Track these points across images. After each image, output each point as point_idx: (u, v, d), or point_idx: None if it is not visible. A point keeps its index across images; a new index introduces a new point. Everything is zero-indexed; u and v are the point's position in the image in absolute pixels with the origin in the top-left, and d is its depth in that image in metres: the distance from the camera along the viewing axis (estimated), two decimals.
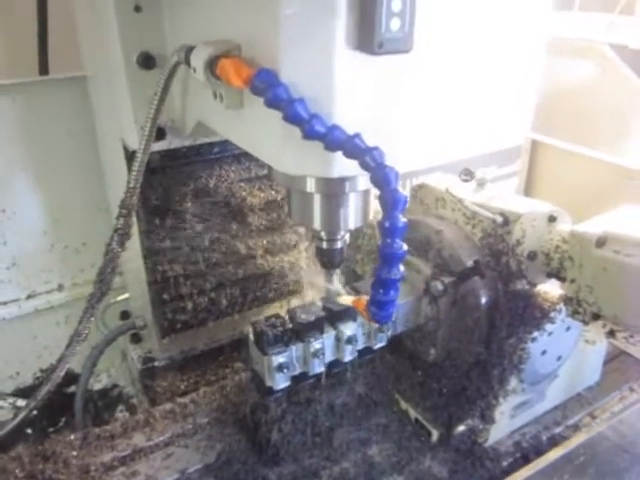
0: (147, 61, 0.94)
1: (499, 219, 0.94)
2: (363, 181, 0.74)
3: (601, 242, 0.82)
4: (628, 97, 1.76)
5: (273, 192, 1.23)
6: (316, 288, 1.03)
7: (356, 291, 0.95)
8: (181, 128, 1.01)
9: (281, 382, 0.91)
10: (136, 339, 1.40)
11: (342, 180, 0.74)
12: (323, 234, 0.84)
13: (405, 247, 0.67)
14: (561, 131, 1.50)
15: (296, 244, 1.32)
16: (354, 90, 0.65)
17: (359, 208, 0.80)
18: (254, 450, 1.00)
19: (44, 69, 1.35)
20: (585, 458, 0.93)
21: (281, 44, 0.62)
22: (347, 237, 0.86)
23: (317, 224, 0.81)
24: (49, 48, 1.33)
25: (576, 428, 1.05)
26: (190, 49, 0.77)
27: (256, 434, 1.00)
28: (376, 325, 0.94)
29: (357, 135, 0.63)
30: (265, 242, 1.27)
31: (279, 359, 0.88)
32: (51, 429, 1.46)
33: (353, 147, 0.63)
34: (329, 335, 0.92)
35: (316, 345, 0.90)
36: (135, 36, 0.93)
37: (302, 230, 1.30)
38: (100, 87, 1.19)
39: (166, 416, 1.09)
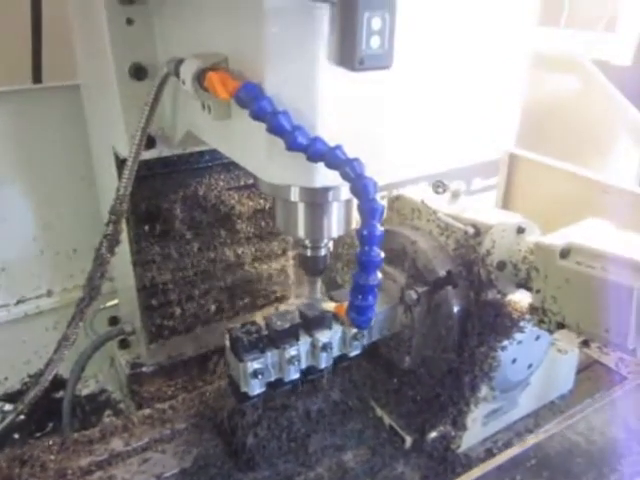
0: (139, 72, 0.97)
1: (471, 230, 0.96)
2: (345, 191, 0.76)
3: (565, 253, 0.84)
4: (610, 112, 1.80)
5: (261, 201, 1.25)
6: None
7: (333, 300, 0.97)
8: (171, 137, 1.03)
9: (256, 388, 0.92)
10: (124, 344, 1.41)
11: (325, 190, 0.76)
12: (307, 242, 0.87)
13: (382, 255, 0.69)
14: (544, 145, 1.54)
15: (284, 252, 1.34)
16: (336, 104, 0.67)
17: (342, 217, 0.83)
18: (230, 455, 1.01)
19: (37, 77, 1.36)
20: (537, 460, 0.94)
21: (266, 59, 0.65)
22: (331, 245, 0.89)
23: (301, 232, 0.84)
24: (43, 57, 1.35)
25: (547, 438, 1.06)
26: (180, 61, 0.80)
27: (232, 439, 1.01)
28: (352, 332, 0.96)
29: (338, 147, 0.66)
30: (253, 249, 1.29)
31: (254, 365, 0.90)
32: (39, 434, 1.46)
33: (333, 158, 0.65)
34: (305, 342, 0.94)
35: (291, 352, 0.92)
36: (127, 48, 0.95)
37: (290, 238, 1.32)
38: (92, 96, 1.21)
39: (144, 421, 1.10)
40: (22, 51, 1.34)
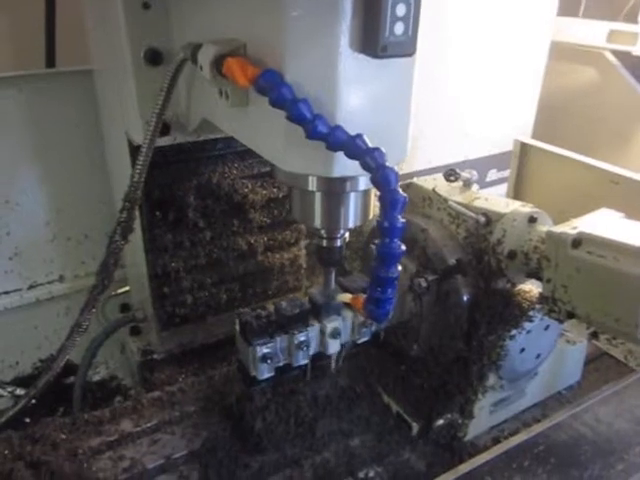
0: (154, 57, 0.97)
1: (482, 219, 0.97)
2: (364, 181, 0.76)
3: (576, 243, 0.85)
4: (629, 103, 1.79)
5: (275, 189, 1.25)
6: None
7: (341, 286, 0.97)
8: (186, 124, 1.03)
9: (265, 372, 0.93)
10: (136, 331, 1.42)
11: (343, 179, 0.75)
12: (323, 232, 0.86)
13: (403, 247, 0.69)
14: (563, 136, 1.53)
15: (296, 241, 1.34)
16: (357, 92, 0.67)
17: (359, 207, 0.82)
18: (238, 438, 1.03)
19: (51, 62, 1.36)
20: (545, 447, 0.95)
21: (286, 45, 0.65)
22: (347, 235, 0.88)
23: (317, 222, 0.83)
24: (56, 41, 1.35)
25: (554, 427, 1.07)
26: (197, 47, 0.79)
27: (241, 423, 1.03)
28: (361, 319, 0.97)
29: (359, 136, 0.65)
30: (266, 239, 1.29)
31: (263, 350, 0.91)
32: (49, 419, 1.48)
33: (354, 148, 0.65)
34: (314, 328, 0.94)
35: (300, 337, 0.92)
36: (143, 32, 0.95)
37: (302, 227, 1.32)
38: (107, 81, 1.21)
39: (154, 403, 1.12)
40: (36, 35, 1.33)
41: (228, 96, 0.77)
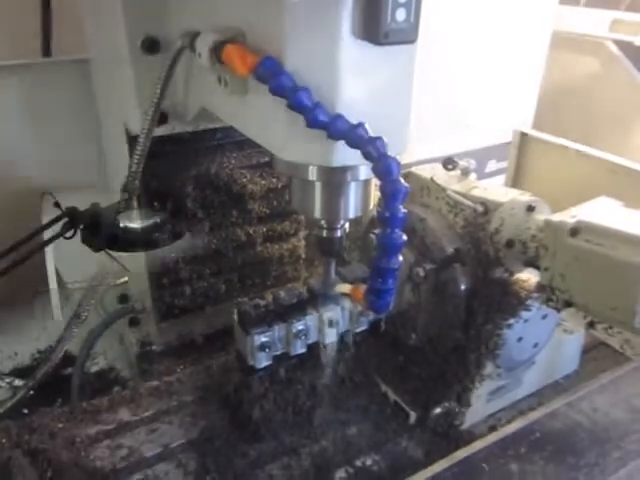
0: (152, 45, 0.95)
1: (480, 208, 0.97)
2: (364, 170, 0.76)
3: (574, 231, 0.85)
4: (631, 93, 1.79)
5: (274, 180, 1.24)
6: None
7: (340, 276, 0.97)
8: (184, 113, 1.02)
9: (263, 361, 0.93)
10: (134, 322, 1.41)
11: (344, 169, 0.75)
12: (323, 222, 0.85)
13: (404, 237, 0.68)
14: (564, 127, 1.53)
15: (295, 232, 1.34)
16: (359, 80, 0.66)
17: (360, 197, 0.81)
18: (236, 427, 1.03)
19: (47, 51, 1.35)
20: (541, 434, 0.95)
21: (286, 33, 0.64)
22: (347, 226, 0.88)
23: (317, 212, 0.82)
24: (52, 30, 1.34)
25: (551, 415, 1.08)
26: (195, 34, 0.79)
27: (238, 412, 1.03)
28: (359, 308, 0.97)
29: (360, 125, 0.64)
30: (265, 229, 1.29)
31: (261, 338, 0.91)
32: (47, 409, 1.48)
33: (356, 137, 0.64)
34: (312, 317, 0.95)
35: (298, 326, 0.93)
36: (140, 20, 0.94)
37: (302, 218, 1.32)
38: (103, 70, 1.20)
39: (151, 393, 1.12)
40: (32, 24, 1.32)
41: (227, 83, 0.76)
